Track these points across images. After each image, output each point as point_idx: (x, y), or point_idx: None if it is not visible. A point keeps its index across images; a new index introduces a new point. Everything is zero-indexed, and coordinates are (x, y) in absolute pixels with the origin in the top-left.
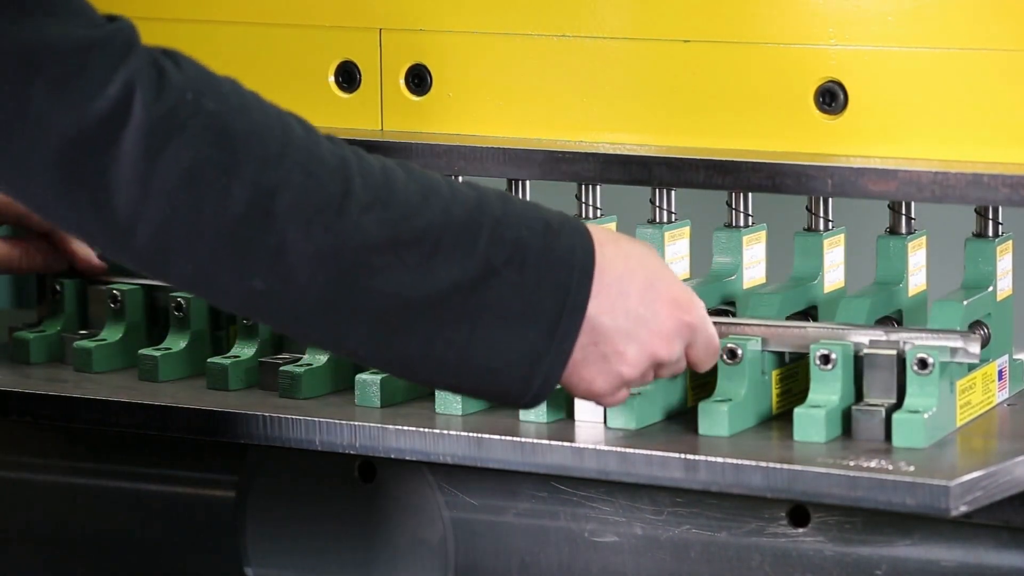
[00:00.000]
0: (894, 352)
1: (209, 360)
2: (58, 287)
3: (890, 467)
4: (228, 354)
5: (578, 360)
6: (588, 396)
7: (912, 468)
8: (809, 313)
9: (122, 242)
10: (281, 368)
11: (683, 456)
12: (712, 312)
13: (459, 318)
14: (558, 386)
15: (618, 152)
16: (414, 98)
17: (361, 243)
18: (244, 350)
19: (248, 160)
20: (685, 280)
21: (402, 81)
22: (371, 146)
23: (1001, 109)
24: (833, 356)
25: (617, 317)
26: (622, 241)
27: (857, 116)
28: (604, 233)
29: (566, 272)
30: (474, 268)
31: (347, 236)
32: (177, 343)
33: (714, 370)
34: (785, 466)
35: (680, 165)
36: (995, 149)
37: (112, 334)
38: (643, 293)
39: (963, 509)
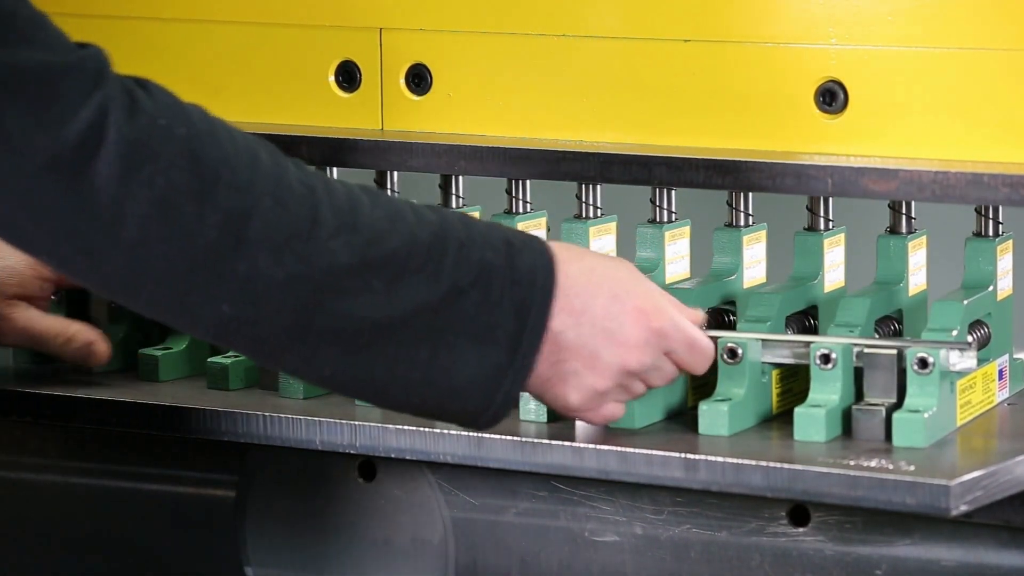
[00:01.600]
0: (894, 352)
1: (209, 360)
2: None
3: (890, 467)
4: (228, 354)
5: (546, 377)
6: (567, 413)
7: (912, 468)
8: (809, 313)
9: (95, 266)
10: None
11: (683, 456)
12: (713, 321)
13: (423, 338)
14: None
15: (618, 152)
16: (414, 98)
17: (329, 268)
18: None
19: (219, 187)
20: (685, 280)
21: (402, 81)
22: (371, 146)
23: (1002, 108)
24: (833, 356)
25: (582, 332)
26: (587, 257)
27: (857, 116)
28: (568, 250)
29: (527, 290)
30: (440, 290)
31: (316, 262)
32: (177, 343)
33: (714, 370)
34: (785, 466)
35: (680, 165)
36: (996, 148)
37: (113, 334)
38: (607, 306)
39: (963, 509)
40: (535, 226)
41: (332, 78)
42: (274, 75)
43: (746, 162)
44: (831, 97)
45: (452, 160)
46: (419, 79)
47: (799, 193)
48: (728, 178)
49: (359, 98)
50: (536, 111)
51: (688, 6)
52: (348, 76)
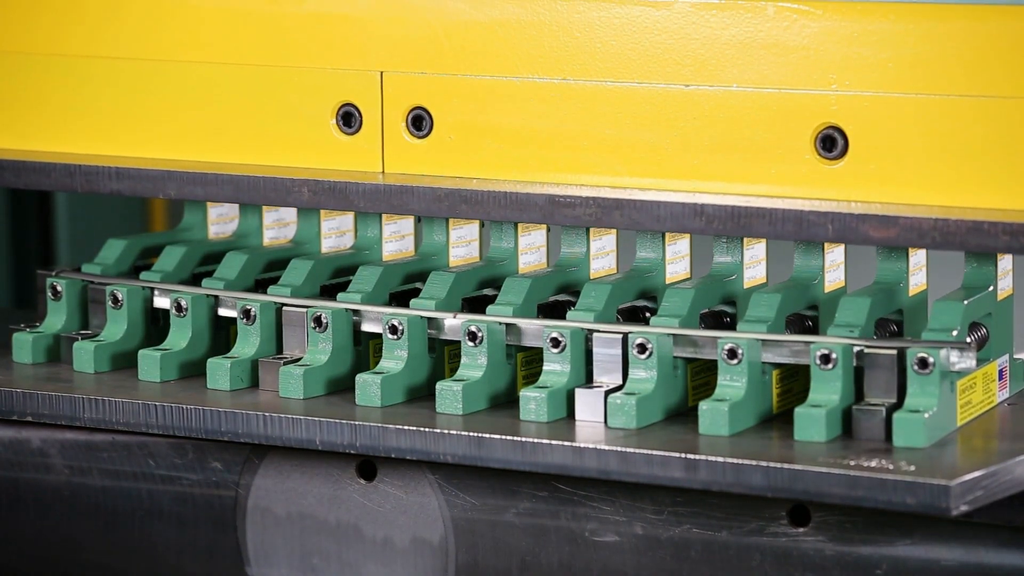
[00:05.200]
0: (894, 352)
1: (209, 360)
2: (58, 287)
3: (891, 467)
4: (228, 354)
5: None
6: None
7: (913, 468)
8: (809, 314)
9: None
10: (281, 368)
11: (683, 456)
12: (713, 321)
13: None
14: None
15: (619, 197)
16: (415, 141)
17: None
18: (244, 350)
19: None
20: (685, 280)
21: (403, 124)
22: (372, 189)
23: (1002, 155)
24: (833, 356)
25: None
26: None
27: (857, 162)
28: None
29: None
30: None
31: None
32: (177, 343)
33: (715, 370)
34: (786, 466)
35: (680, 211)
36: (995, 195)
37: (112, 334)
38: None
39: (964, 509)
40: (535, 226)
41: (333, 121)
42: (275, 117)
43: (746, 207)
44: (831, 143)
45: (453, 204)
46: (419, 122)
47: (800, 239)
48: (728, 224)
49: (360, 141)
50: (537, 154)
51: (689, 51)
52: (349, 119)
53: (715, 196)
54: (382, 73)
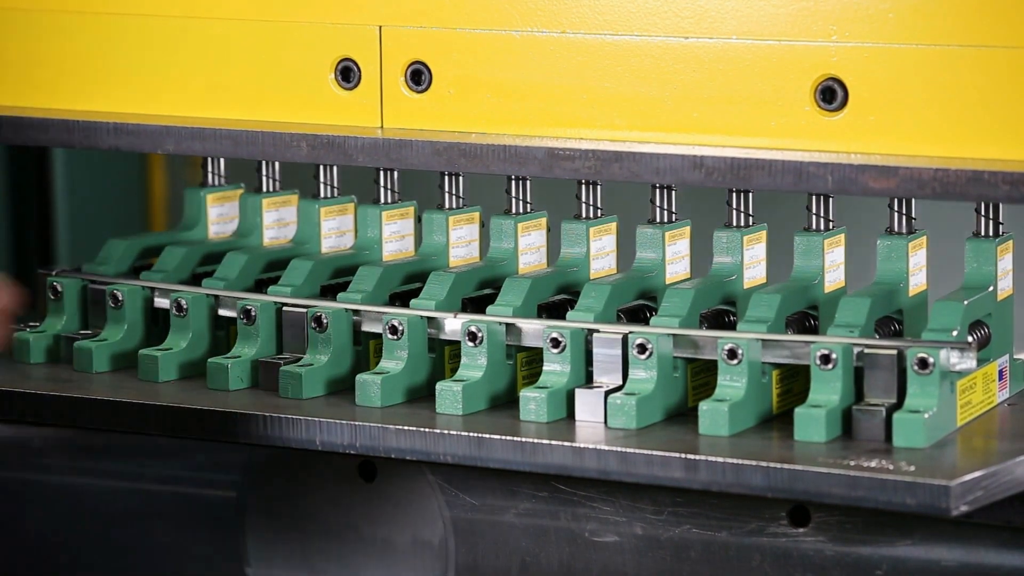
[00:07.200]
0: (894, 352)
1: (209, 360)
2: (58, 287)
3: (891, 467)
4: (228, 354)
5: None
6: None
7: (912, 468)
8: (809, 314)
9: None
10: (281, 368)
11: (684, 456)
12: (714, 321)
13: None
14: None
15: (618, 149)
16: (413, 95)
17: None
18: (244, 350)
19: None
20: (685, 280)
21: (402, 78)
22: (370, 144)
23: (1002, 106)
24: (833, 356)
25: None
26: None
27: (857, 113)
28: None
29: None
30: None
31: None
32: (177, 343)
33: (715, 370)
34: (786, 466)
35: (679, 163)
36: (996, 146)
37: (112, 334)
38: None
39: (964, 509)
40: (535, 226)
41: (332, 76)
42: (274, 73)
43: (746, 159)
44: (831, 95)
45: (452, 158)
46: (418, 76)
47: (799, 191)
48: (727, 176)
49: (358, 96)
50: (536, 108)
51: (687, 3)
52: (347, 73)
53: (714, 148)
54: (381, 27)
